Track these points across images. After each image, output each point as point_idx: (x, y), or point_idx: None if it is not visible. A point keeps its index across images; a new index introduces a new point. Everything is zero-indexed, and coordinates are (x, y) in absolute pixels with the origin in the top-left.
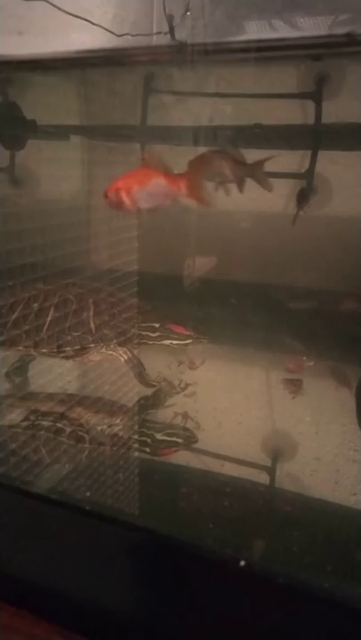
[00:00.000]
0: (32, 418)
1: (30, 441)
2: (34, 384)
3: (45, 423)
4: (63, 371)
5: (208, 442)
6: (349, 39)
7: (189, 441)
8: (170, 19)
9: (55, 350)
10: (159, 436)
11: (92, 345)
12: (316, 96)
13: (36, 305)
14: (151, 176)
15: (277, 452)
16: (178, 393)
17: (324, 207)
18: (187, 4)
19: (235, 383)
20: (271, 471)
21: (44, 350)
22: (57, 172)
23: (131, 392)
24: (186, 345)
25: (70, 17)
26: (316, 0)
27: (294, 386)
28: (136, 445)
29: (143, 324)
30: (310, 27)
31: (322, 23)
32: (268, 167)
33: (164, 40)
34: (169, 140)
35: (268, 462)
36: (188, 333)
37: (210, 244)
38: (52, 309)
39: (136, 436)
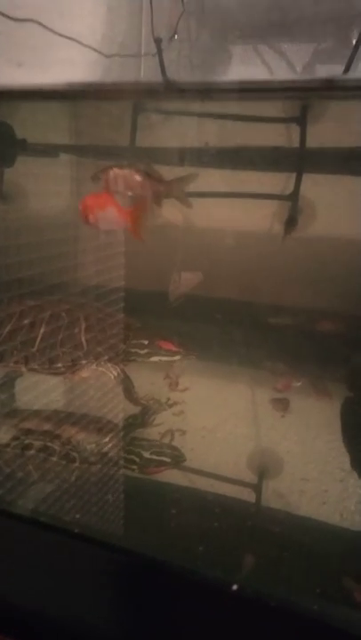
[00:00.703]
0: (22, 437)
1: (21, 461)
2: (19, 401)
3: (37, 443)
4: (48, 387)
5: (196, 460)
6: (330, 85)
7: (177, 460)
8: (158, 42)
9: (47, 366)
10: (147, 455)
11: (84, 361)
12: (301, 120)
13: (26, 321)
14: (108, 203)
15: (265, 471)
16: (165, 411)
17: (308, 228)
18: (174, 27)
19: (222, 401)
20: (258, 489)
21: (36, 366)
22: (45, 188)
23: (116, 409)
24: (174, 361)
25: (64, 50)
26: (298, 27)
27: (282, 405)
28: (124, 464)
29: (133, 341)
30: (294, 52)
31: (305, 49)
32: (254, 188)
33: (152, 72)
34: (157, 159)
35: (256, 481)
36: (176, 350)
37: (195, 261)
38: (43, 325)
39: (125, 455)
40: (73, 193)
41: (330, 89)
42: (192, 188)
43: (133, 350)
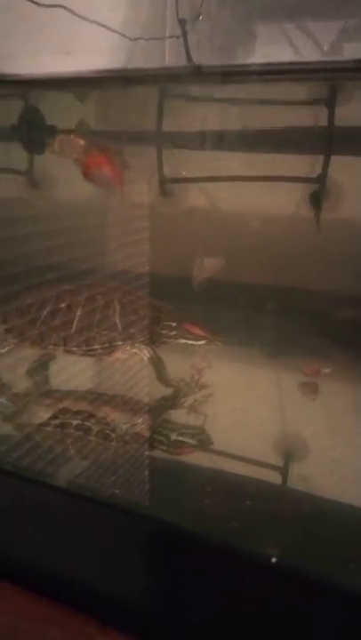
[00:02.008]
0: (61, 416)
1: (61, 438)
2: (54, 382)
3: (74, 422)
4: (80, 369)
5: (225, 443)
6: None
7: (204, 443)
8: (182, 23)
9: (84, 347)
10: (174, 437)
11: (120, 342)
12: (329, 102)
13: (63, 304)
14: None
15: (294, 453)
16: (195, 393)
17: (338, 210)
18: (198, 8)
19: (252, 385)
20: (285, 471)
21: (73, 347)
22: (74, 174)
23: (146, 390)
24: (200, 345)
25: (89, 35)
26: (324, 5)
27: (311, 389)
28: (155, 444)
29: (163, 323)
30: (320, 30)
31: (331, 27)
32: (282, 171)
33: (177, 57)
34: (182, 144)
35: (285, 462)
36: (203, 334)
37: (222, 246)
38: (80, 308)
39: (155, 436)
40: None
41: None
42: (218, 171)
43: (163, 332)
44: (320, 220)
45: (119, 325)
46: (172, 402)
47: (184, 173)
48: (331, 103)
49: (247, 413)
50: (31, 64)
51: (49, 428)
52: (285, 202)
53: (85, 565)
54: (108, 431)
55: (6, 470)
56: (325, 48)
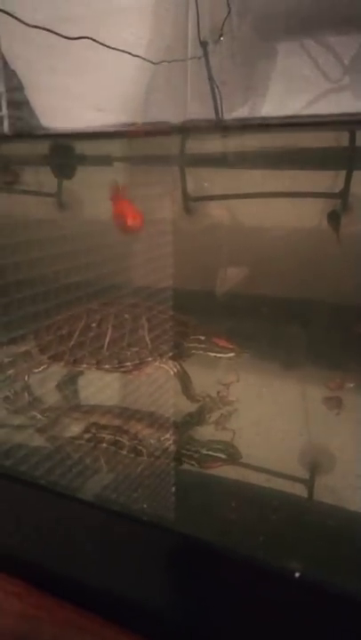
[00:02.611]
0: (93, 430)
1: (93, 453)
2: (82, 396)
3: (107, 436)
4: (106, 384)
5: (252, 457)
6: None
7: (233, 457)
8: (204, 45)
9: (116, 366)
10: (204, 451)
11: (150, 359)
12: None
13: (94, 324)
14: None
15: (319, 467)
16: (220, 409)
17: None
18: (220, 29)
19: (277, 399)
20: (311, 485)
21: (107, 366)
22: (100, 195)
23: (172, 406)
24: (229, 358)
25: (113, 60)
26: (344, 19)
27: (335, 403)
28: (185, 459)
29: (191, 337)
30: (341, 44)
31: (352, 42)
32: (305, 187)
33: (198, 74)
34: (204, 164)
35: (309, 476)
36: (231, 347)
37: (246, 259)
38: (110, 327)
39: (185, 451)
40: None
41: None
42: (241, 188)
43: (192, 345)
44: (340, 235)
45: (148, 342)
46: (197, 417)
47: (206, 185)
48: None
49: (271, 427)
50: (64, 118)
51: (82, 442)
52: (307, 216)
53: (112, 576)
54: (139, 447)
55: (39, 485)
56: (346, 62)
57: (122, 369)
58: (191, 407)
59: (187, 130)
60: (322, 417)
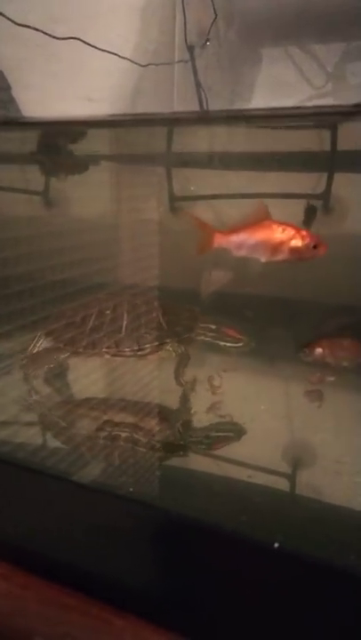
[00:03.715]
0: (108, 428)
1: (112, 451)
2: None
3: (123, 434)
4: (97, 375)
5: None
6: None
7: (240, 432)
8: (191, 49)
9: (135, 348)
10: (213, 434)
11: (168, 340)
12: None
13: (108, 311)
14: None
15: (302, 454)
16: (194, 393)
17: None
18: (206, 33)
19: (260, 393)
20: (293, 475)
21: (127, 349)
22: (87, 193)
23: (151, 394)
24: (237, 348)
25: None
26: (328, 27)
27: (316, 397)
28: (193, 446)
29: (202, 324)
30: (324, 51)
31: (335, 49)
32: (288, 188)
33: (184, 78)
34: (191, 164)
35: (293, 462)
36: (240, 337)
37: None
38: (125, 313)
39: (191, 438)
40: (113, 198)
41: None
42: (224, 189)
43: (201, 332)
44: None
45: (164, 324)
46: (183, 405)
47: (192, 189)
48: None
49: (257, 419)
50: (53, 109)
51: (100, 441)
52: (290, 217)
53: (98, 554)
54: (154, 442)
55: (22, 465)
56: (329, 69)
57: (141, 352)
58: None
59: (173, 120)
60: (305, 409)
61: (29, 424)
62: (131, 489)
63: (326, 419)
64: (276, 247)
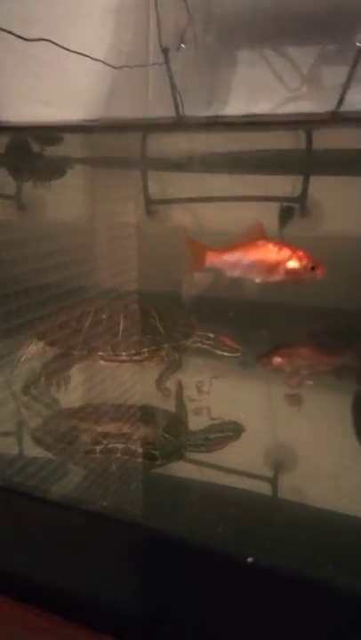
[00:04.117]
0: (104, 441)
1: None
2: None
3: (120, 446)
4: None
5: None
6: (334, 117)
7: (239, 431)
8: (165, 51)
9: (133, 352)
10: (213, 435)
11: (166, 345)
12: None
13: (104, 315)
14: None
15: (281, 458)
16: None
17: (316, 228)
18: (181, 36)
19: (241, 397)
20: (274, 480)
21: (124, 354)
22: (60, 198)
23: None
24: (234, 357)
25: (74, 64)
26: (304, 31)
27: (295, 400)
28: (191, 449)
29: (199, 332)
30: (299, 54)
31: (310, 52)
32: (264, 191)
33: (160, 80)
34: (166, 167)
35: (271, 466)
36: (237, 347)
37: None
38: (121, 317)
39: (189, 442)
40: (88, 201)
41: (334, 121)
42: (202, 192)
43: (198, 340)
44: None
45: (162, 329)
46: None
47: (171, 191)
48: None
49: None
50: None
51: (96, 455)
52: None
53: (66, 573)
54: (152, 451)
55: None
56: (304, 71)
57: (138, 356)
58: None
59: (147, 126)
60: (284, 412)
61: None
62: (104, 503)
63: (306, 422)
64: (271, 268)
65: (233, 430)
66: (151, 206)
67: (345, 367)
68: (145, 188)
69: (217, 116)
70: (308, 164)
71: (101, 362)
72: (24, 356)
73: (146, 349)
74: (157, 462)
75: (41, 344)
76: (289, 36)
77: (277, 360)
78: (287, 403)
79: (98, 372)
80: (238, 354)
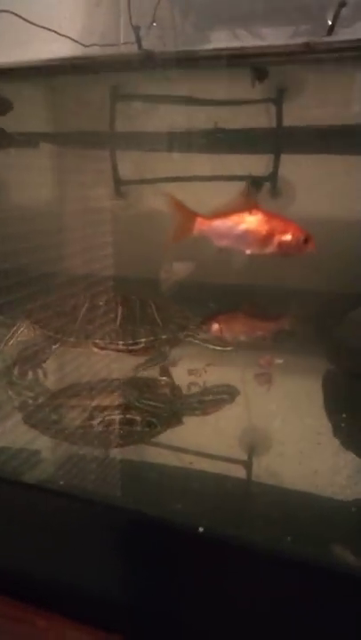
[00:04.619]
0: (100, 415)
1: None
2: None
3: (116, 417)
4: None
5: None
6: (308, 48)
7: (234, 394)
8: (136, 30)
9: (130, 341)
10: (208, 398)
11: (164, 336)
12: (278, 101)
13: (101, 302)
14: None
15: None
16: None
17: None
18: (153, 15)
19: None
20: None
21: (121, 343)
22: (27, 179)
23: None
24: (226, 351)
25: (43, 41)
26: (278, 12)
27: (265, 379)
28: (187, 412)
29: (191, 327)
30: (272, 35)
31: (283, 33)
32: (235, 170)
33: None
34: (136, 145)
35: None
36: (229, 340)
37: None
38: (120, 306)
39: (184, 406)
40: (55, 183)
41: (308, 52)
42: (171, 172)
43: (190, 334)
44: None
45: (159, 320)
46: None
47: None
48: (279, 102)
49: None
50: None
51: (95, 429)
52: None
53: (44, 563)
54: (150, 418)
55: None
56: None
57: (135, 346)
58: None
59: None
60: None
61: None
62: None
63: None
64: (264, 239)
65: (229, 393)
66: (122, 187)
67: (281, 332)
68: (114, 166)
69: (185, 51)
70: (278, 141)
71: (95, 349)
72: (13, 340)
73: (143, 340)
74: (157, 429)
75: (34, 327)
76: (261, 15)
77: (215, 326)
78: (257, 382)
79: (76, 359)
80: (230, 348)
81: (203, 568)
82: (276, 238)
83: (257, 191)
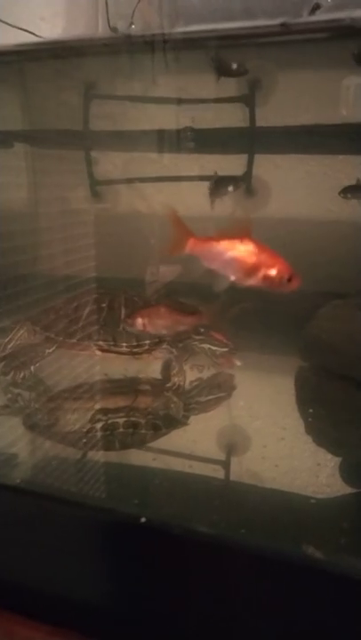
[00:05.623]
0: (103, 418)
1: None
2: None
3: (120, 420)
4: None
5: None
6: (284, 29)
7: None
8: (114, 32)
9: (134, 343)
10: (208, 398)
11: (169, 338)
12: (250, 100)
13: (104, 304)
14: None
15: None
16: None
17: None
18: (131, 17)
19: None
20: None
21: (124, 344)
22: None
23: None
24: (223, 352)
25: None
26: (252, 7)
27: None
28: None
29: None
30: None
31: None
32: (209, 170)
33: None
34: (112, 145)
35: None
36: (227, 342)
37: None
38: (122, 308)
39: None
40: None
41: (285, 33)
42: (147, 172)
43: (189, 335)
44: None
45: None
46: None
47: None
48: (251, 101)
49: None
50: None
51: (98, 433)
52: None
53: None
54: (155, 420)
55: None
56: None
57: (138, 348)
58: None
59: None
60: None
61: None
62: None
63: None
64: (249, 270)
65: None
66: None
67: (201, 326)
68: (88, 167)
69: (163, 34)
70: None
71: (98, 352)
72: (12, 342)
73: (147, 342)
74: (162, 432)
75: (34, 330)
76: (238, 12)
77: (139, 320)
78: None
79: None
80: (227, 348)
81: (181, 572)
82: (262, 272)
83: (223, 189)
